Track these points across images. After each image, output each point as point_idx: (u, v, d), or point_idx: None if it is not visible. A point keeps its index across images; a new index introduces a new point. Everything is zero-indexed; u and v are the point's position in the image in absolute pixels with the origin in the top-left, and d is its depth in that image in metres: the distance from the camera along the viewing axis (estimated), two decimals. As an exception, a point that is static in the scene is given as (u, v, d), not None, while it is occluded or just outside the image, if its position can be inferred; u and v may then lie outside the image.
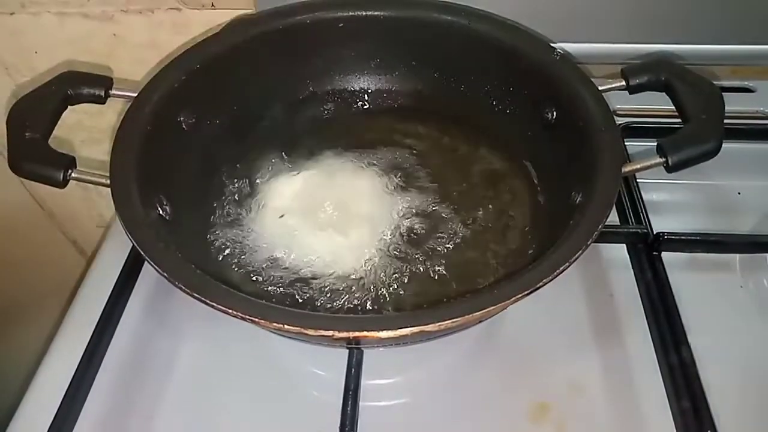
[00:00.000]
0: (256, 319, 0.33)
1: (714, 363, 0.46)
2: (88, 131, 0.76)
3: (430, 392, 0.47)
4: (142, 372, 0.49)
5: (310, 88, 0.61)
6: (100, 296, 0.50)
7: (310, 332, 0.33)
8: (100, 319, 0.48)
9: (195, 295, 0.34)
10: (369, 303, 0.46)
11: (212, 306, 0.34)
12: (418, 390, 0.48)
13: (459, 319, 0.33)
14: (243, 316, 0.33)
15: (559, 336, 0.50)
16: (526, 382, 0.47)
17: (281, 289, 0.47)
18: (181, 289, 0.35)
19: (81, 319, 0.51)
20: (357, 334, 0.33)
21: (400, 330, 0.33)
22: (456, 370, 0.48)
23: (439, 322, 0.33)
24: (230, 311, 0.34)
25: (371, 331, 0.33)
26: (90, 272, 0.56)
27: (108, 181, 0.42)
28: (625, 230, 0.53)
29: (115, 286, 0.51)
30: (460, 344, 0.50)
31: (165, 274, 0.35)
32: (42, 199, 0.84)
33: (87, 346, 0.47)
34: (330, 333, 0.33)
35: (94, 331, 0.48)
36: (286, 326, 0.33)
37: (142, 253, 0.37)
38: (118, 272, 0.51)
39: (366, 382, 0.45)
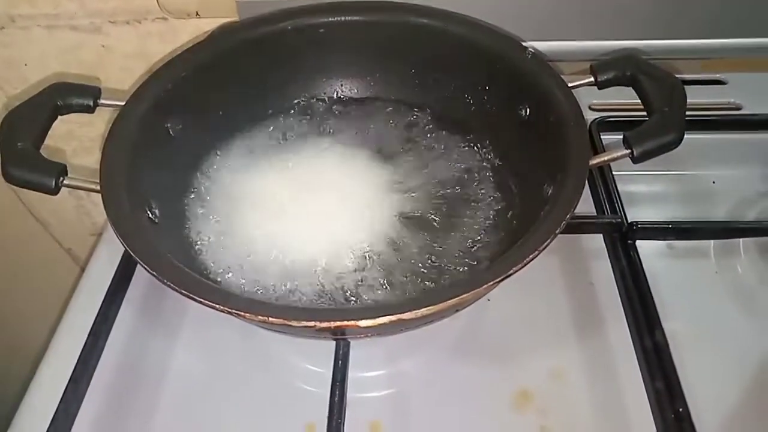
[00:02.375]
0: (242, 313, 0.35)
1: (690, 346, 0.48)
2: (78, 140, 0.77)
3: (416, 383, 0.48)
4: (137, 374, 0.49)
5: (294, 92, 0.61)
6: (93, 301, 0.51)
7: (294, 323, 0.34)
8: (94, 323, 0.49)
9: (184, 292, 0.36)
10: (354, 298, 0.47)
11: (201, 302, 0.35)
12: (404, 381, 0.49)
13: (434, 307, 0.34)
14: (230, 310, 0.35)
15: (541, 325, 0.51)
16: (510, 371, 0.48)
17: (266, 286, 0.48)
18: (171, 287, 0.36)
19: (75, 325, 0.52)
20: (338, 323, 0.34)
21: (379, 319, 0.34)
22: (441, 361, 0.49)
23: (415, 310, 0.34)
24: (218, 306, 0.35)
25: (351, 320, 0.34)
26: (83, 278, 0.57)
27: (98, 187, 0.43)
28: (601, 220, 0.55)
29: (108, 290, 0.52)
30: (445, 336, 0.51)
31: (155, 274, 0.37)
32: (35, 208, 0.84)
33: (82, 351, 0.47)
34: (312, 324, 0.34)
35: (88, 336, 0.48)
36: (270, 319, 0.34)
37: (132, 254, 0.38)
38: (111, 277, 0.52)
39: (355, 374, 0.46)
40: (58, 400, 0.45)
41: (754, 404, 0.46)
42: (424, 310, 0.34)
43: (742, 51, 0.65)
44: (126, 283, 0.53)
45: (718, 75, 0.69)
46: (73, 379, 0.46)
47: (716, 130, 0.62)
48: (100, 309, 0.50)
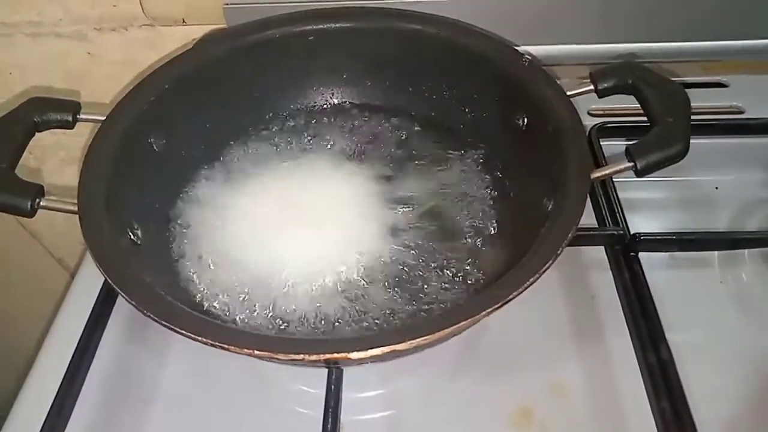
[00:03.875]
0: (226, 346, 0.33)
1: (695, 360, 0.46)
2: (67, 150, 0.75)
3: (413, 403, 0.47)
4: (125, 390, 0.48)
5: (283, 102, 0.60)
6: (81, 314, 0.49)
7: (281, 357, 0.32)
8: (80, 339, 0.48)
9: (164, 323, 0.34)
10: (346, 324, 0.46)
11: (182, 334, 0.34)
12: (400, 402, 0.47)
13: (430, 336, 0.33)
14: (213, 343, 0.33)
15: (541, 339, 0.50)
16: (510, 388, 0.47)
17: (255, 309, 0.46)
18: (150, 317, 0.35)
19: (62, 339, 0.50)
20: (327, 356, 0.33)
21: (371, 351, 0.32)
22: (440, 378, 0.48)
23: (410, 340, 0.32)
24: (200, 339, 0.33)
25: (342, 352, 0.33)
26: (70, 291, 0.56)
27: (76, 208, 0.41)
28: (602, 232, 0.53)
29: (94, 306, 0.50)
30: (442, 352, 0.49)
31: (134, 303, 0.35)
32: (25, 220, 0.83)
33: (68, 367, 0.46)
34: (300, 356, 0.32)
35: (74, 352, 0.47)
36: (256, 352, 0.32)
37: (109, 281, 0.37)
38: (99, 290, 0.51)
39: (350, 395, 0.44)
40: (45, 415, 0.43)
41: (764, 422, 0.45)
42: (419, 340, 0.32)
43: (745, 53, 0.64)
44: (114, 297, 0.51)
45: (719, 78, 0.67)
46: (57, 398, 0.44)
47: (718, 134, 0.60)
48: (86, 324, 0.48)
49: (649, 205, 0.59)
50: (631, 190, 0.58)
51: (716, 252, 0.55)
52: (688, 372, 0.44)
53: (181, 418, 0.46)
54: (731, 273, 0.54)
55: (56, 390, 0.45)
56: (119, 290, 0.36)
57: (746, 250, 0.54)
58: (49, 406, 0.44)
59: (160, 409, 0.47)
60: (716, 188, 0.60)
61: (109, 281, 0.37)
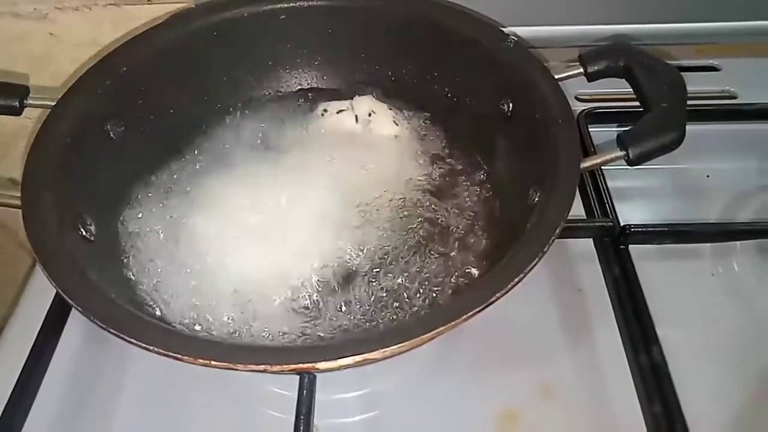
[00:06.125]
0: (179, 356, 0.30)
1: (686, 355, 0.45)
2: (31, 137, 0.72)
3: (392, 405, 0.45)
4: (84, 393, 0.45)
5: (252, 88, 0.58)
6: (41, 306, 0.47)
7: (239, 367, 0.30)
8: (38, 334, 0.45)
9: (111, 331, 0.31)
10: (312, 327, 0.43)
11: (130, 342, 0.31)
12: (379, 403, 0.45)
13: (405, 344, 0.30)
14: (164, 352, 0.30)
15: (527, 336, 0.48)
16: (494, 389, 0.45)
17: (216, 314, 0.44)
18: (97, 324, 0.32)
19: (20, 331, 0.48)
20: (293, 366, 0.30)
21: (340, 360, 0.30)
22: (421, 379, 0.46)
23: (383, 348, 0.30)
24: (150, 347, 0.30)
25: (308, 362, 0.30)
26: (30, 283, 0.52)
27: (20, 202, 0.38)
28: (591, 224, 0.51)
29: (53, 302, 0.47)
30: (423, 350, 0.46)
31: (79, 308, 0.32)
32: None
33: (25, 363, 0.44)
34: (262, 367, 0.30)
35: (33, 345, 0.45)
36: (213, 362, 0.30)
37: (52, 282, 0.34)
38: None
39: (325, 397, 0.41)
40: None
41: (758, 419, 0.43)
42: (394, 348, 0.30)
43: (739, 35, 0.63)
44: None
45: (711, 61, 0.65)
46: (17, 388, 0.42)
47: (710, 120, 0.59)
48: (44, 319, 0.46)
49: (636, 193, 0.58)
50: (617, 177, 0.56)
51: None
52: (679, 368, 0.43)
53: (145, 423, 0.44)
54: (723, 264, 0.52)
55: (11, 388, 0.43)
56: (62, 293, 0.33)
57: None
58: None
59: (122, 411, 0.44)
60: (707, 176, 0.58)
61: (52, 282, 0.34)
